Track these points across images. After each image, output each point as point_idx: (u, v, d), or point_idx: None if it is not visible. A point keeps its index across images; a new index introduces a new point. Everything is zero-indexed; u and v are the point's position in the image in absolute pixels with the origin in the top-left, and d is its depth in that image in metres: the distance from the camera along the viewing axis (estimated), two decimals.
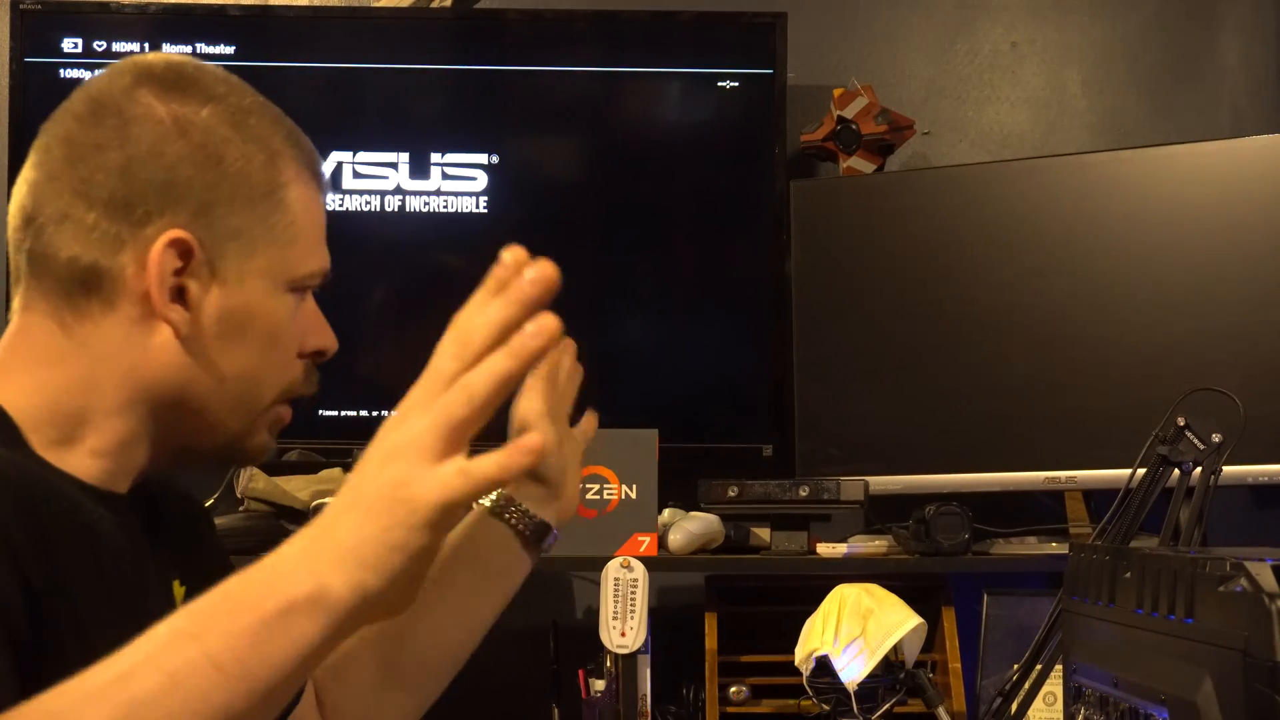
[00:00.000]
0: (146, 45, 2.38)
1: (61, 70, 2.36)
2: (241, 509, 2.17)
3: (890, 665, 1.91)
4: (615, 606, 1.87)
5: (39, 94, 2.32)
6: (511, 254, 0.84)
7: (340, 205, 2.36)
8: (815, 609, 1.95)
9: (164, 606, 1.08)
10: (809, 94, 2.48)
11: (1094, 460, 2.08)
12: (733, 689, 2.07)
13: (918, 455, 2.18)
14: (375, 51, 2.40)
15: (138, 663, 0.78)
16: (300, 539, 0.81)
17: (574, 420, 1.30)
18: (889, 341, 2.23)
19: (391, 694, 1.23)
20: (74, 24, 2.37)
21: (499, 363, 0.81)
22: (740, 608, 2.18)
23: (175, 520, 1.15)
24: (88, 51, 2.36)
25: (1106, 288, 2.14)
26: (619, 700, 1.90)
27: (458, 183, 2.38)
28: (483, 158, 2.38)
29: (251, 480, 2.16)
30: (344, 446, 2.28)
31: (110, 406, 1.02)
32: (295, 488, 2.18)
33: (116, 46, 2.37)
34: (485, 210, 2.38)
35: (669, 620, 2.23)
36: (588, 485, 2.06)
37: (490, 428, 0.82)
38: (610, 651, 1.88)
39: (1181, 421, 1.48)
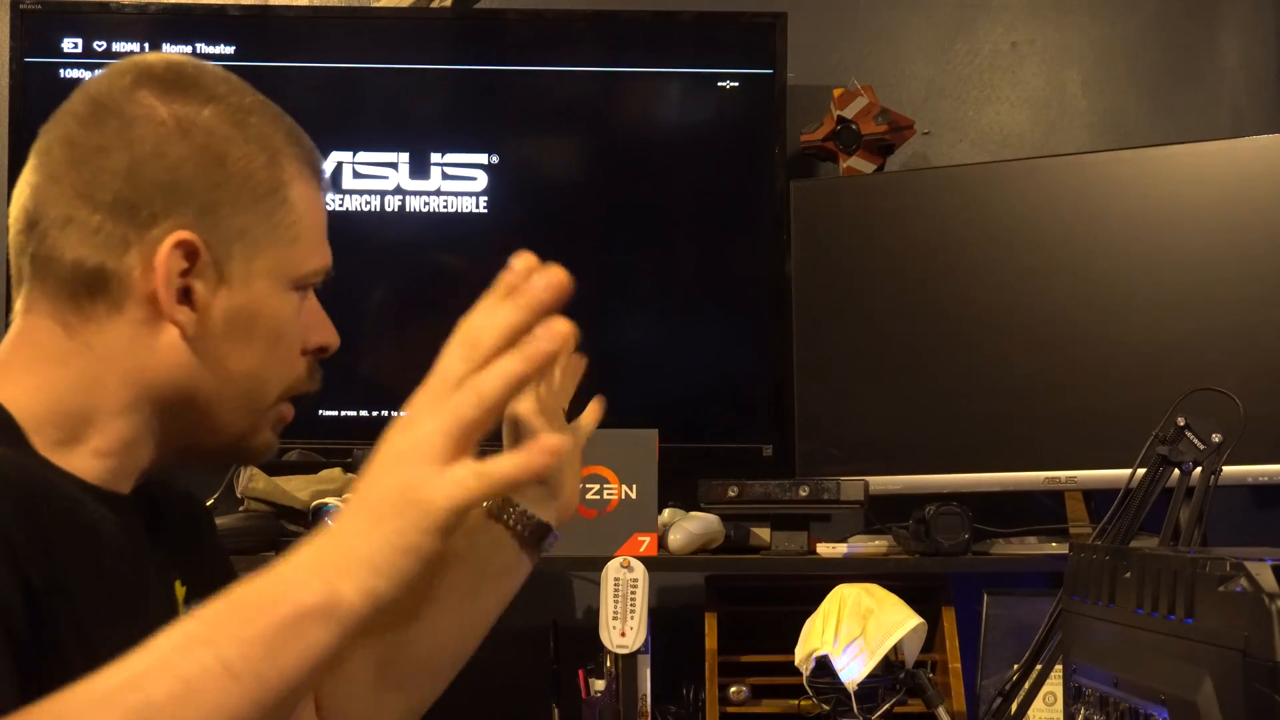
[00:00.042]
0: (146, 45, 2.38)
1: (61, 70, 2.36)
2: (241, 509, 2.17)
3: (890, 665, 1.91)
4: (615, 606, 1.88)
5: (39, 94, 2.32)
6: (521, 260, 0.84)
7: (340, 205, 2.36)
8: (815, 609, 1.95)
9: (165, 606, 1.08)
10: (809, 94, 2.48)
11: (1094, 460, 2.08)
12: (733, 689, 2.07)
13: (918, 455, 2.18)
14: (375, 51, 2.40)
15: (150, 666, 0.77)
16: (311, 545, 0.81)
17: (575, 415, 1.29)
18: (889, 341, 2.23)
19: (390, 695, 1.22)
20: (74, 24, 2.37)
21: (509, 365, 0.81)
22: (740, 608, 2.18)
23: (176, 520, 1.15)
24: (88, 51, 2.36)
25: (1106, 288, 2.14)
26: (619, 700, 1.90)
27: (458, 183, 2.38)
28: (483, 158, 2.38)
29: (251, 480, 2.16)
30: (344, 446, 2.29)
31: (115, 407, 1.02)
32: (295, 488, 2.18)
33: (116, 46, 2.37)
34: (485, 210, 2.38)
35: (669, 620, 2.23)
36: (587, 485, 2.05)
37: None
38: (610, 651, 1.88)
39: (1181, 421, 1.48)
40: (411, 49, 2.41)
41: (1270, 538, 2.26)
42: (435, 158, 2.38)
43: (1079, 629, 1.26)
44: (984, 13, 2.61)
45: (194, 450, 1.08)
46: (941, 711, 1.93)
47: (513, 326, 0.82)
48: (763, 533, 2.18)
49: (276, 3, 2.49)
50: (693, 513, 2.16)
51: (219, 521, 1.90)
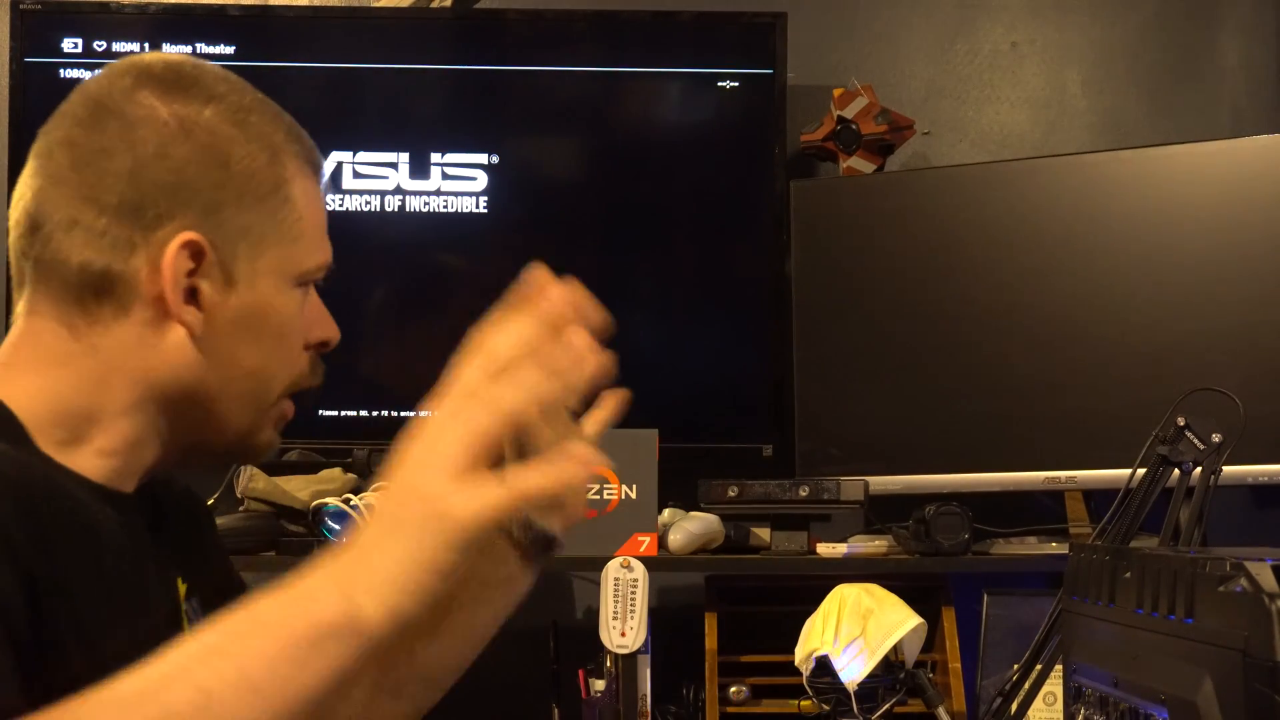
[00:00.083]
0: (146, 45, 2.38)
1: (61, 70, 2.36)
2: (241, 509, 2.17)
3: (890, 665, 1.91)
4: (615, 606, 1.88)
5: (39, 94, 2.32)
6: (536, 272, 0.84)
7: (340, 205, 2.36)
8: (815, 609, 1.95)
9: (167, 605, 1.08)
10: (809, 94, 2.47)
11: (1094, 460, 2.08)
12: (733, 689, 2.07)
13: (918, 455, 2.18)
14: (375, 51, 2.40)
15: (169, 675, 0.77)
16: (331, 560, 0.81)
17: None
18: (889, 341, 2.23)
19: (386, 702, 1.22)
20: (74, 24, 2.37)
21: (528, 377, 0.80)
22: (740, 608, 2.18)
23: (177, 518, 1.16)
24: (88, 51, 2.36)
25: (1106, 288, 2.14)
26: (619, 700, 1.90)
27: (458, 183, 2.38)
28: (483, 158, 2.38)
29: (251, 480, 2.16)
30: (344, 446, 2.29)
31: (120, 407, 1.02)
32: (295, 488, 2.18)
33: (116, 46, 2.37)
34: (485, 210, 2.38)
35: (669, 620, 2.23)
36: (587, 485, 2.05)
37: None
38: (610, 651, 1.88)
39: (1181, 421, 1.48)
40: (411, 49, 2.41)
41: (1270, 538, 2.26)
42: (435, 158, 2.38)
43: (1079, 629, 1.26)
44: (984, 13, 2.61)
45: (198, 449, 1.08)
46: (941, 711, 1.93)
47: (528, 338, 0.81)
48: (763, 533, 2.18)
49: (276, 3, 2.49)
50: (693, 513, 2.17)
51: (219, 521, 1.90)
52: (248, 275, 1.04)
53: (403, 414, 2.32)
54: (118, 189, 1.00)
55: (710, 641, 2.09)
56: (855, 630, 1.88)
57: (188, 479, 1.23)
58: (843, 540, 2.15)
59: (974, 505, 2.07)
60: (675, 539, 2.10)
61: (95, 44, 2.37)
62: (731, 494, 2.14)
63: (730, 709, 2.07)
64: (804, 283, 2.28)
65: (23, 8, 2.36)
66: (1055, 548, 2.10)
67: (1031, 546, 2.13)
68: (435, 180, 2.38)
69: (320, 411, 2.31)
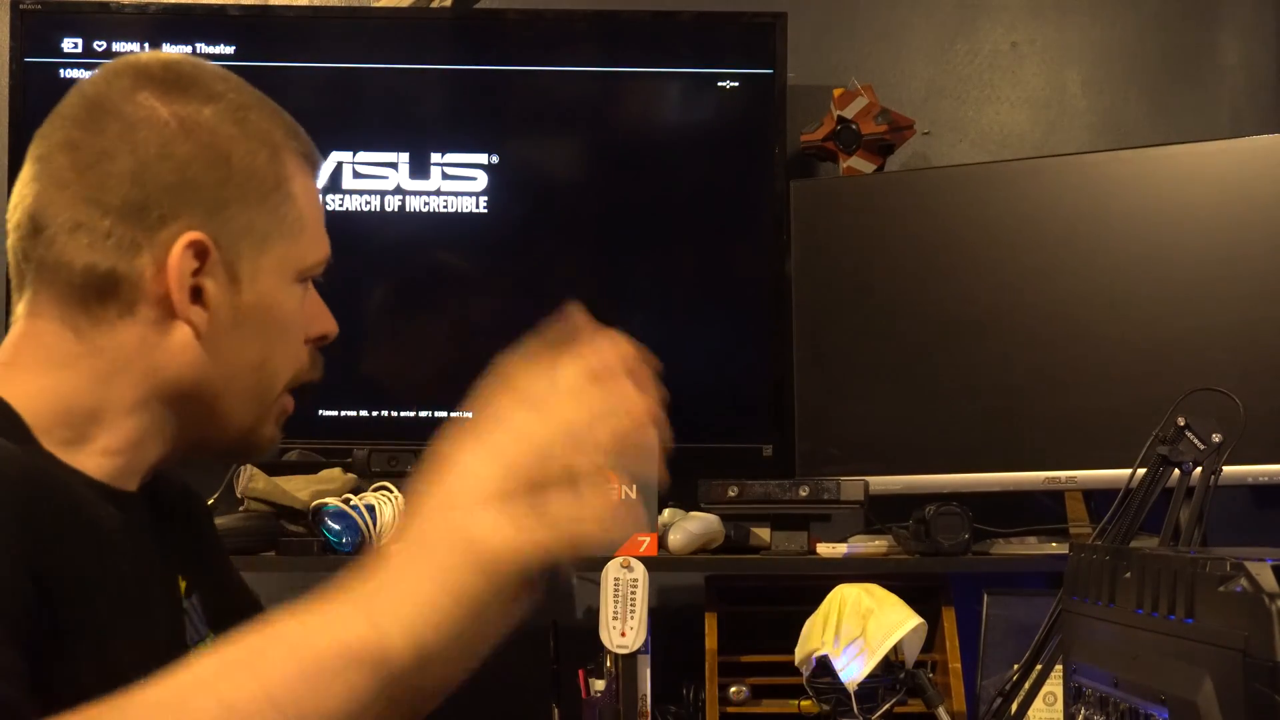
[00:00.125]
0: (146, 45, 2.38)
1: (61, 70, 2.36)
2: (241, 509, 2.17)
3: (890, 665, 1.91)
4: (615, 606, 1.88)
5: (39, 94, 2.32)
6: (574, 312, 0.84)
7: (340, 205, 2.36)
8: (815, 609, 1.95)
9: (169, 604, 1.08)
10: (809, 94, 2.48)
11: (1094, 460, 2.08)
12: (733, 689, 2.07)
13: (918, 455, 2.18)
14: (375, 51, 2.40)
15: (191, 686, 0.77)
16: (362, 583, 0.80)
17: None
18: (889, 341, 2.23)
19: (381, 712, 1.22)
20: (74, 24, 2.37)
21: (566, 411, 0.81)
22: (740, 608, 2.18)
23: (178, 517, 1.16)
24: (88, 51, 2.36)
25: (1106, 288, 2.14)
26: (619, 700, 1.90)
27: (458, 183, 2.38)
28: (483, 158, 2.38)
29: (251, 480, 2.16)
30: (344, 446, 2.29)
31: (124, 406, 1.02)
32: (295, 488, 2.18)
33: (116, 46, 2.37)
34: (485, 210, 2.38)
35: (669, 620, 2.23)
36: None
37: None
38: (610, 651, 1.88)
39: (1181, 421, 1.48)
40: (411, 49, 2.41)
41: (1270, 538, 2.26)
42: (435, 158, 2.38)
43: (1079, 629, 1.26)
44: (984, 13, 2.61)
45: (202, 445, 1.09)
46: (941, 711, 1.93)
47: (575, 380, 0.81)
48: (763, 533, 2.18)
49: (276, 3, 2.49)
50: (693, 513, 2.16)
51: (219, 522, 1.90)
52: (251, 273, 1.04)
53: (403, 414, 2.32)
54: (121, 190, 1.00)
55: (710, 641, 2.09)
56: (855, 630, 1.88)
57: (186, 476, 1.23)
58: (843, 540, 2.15)
59: (974, 505, 2.07)
60: (675, 539, 2.10)
61: (95, 44, 2.37)
62: (731, 494, 2.14)
63: (730, 709, 2.07)
64: (804, 283, 2.28)
65: (23, 8, 2.36)
66: (1055, 548, 2.10)
67: (1031, 546, 2.13)
68: (435, 180, 2.38)
69: (320, 411, 2.31)
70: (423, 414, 2.32)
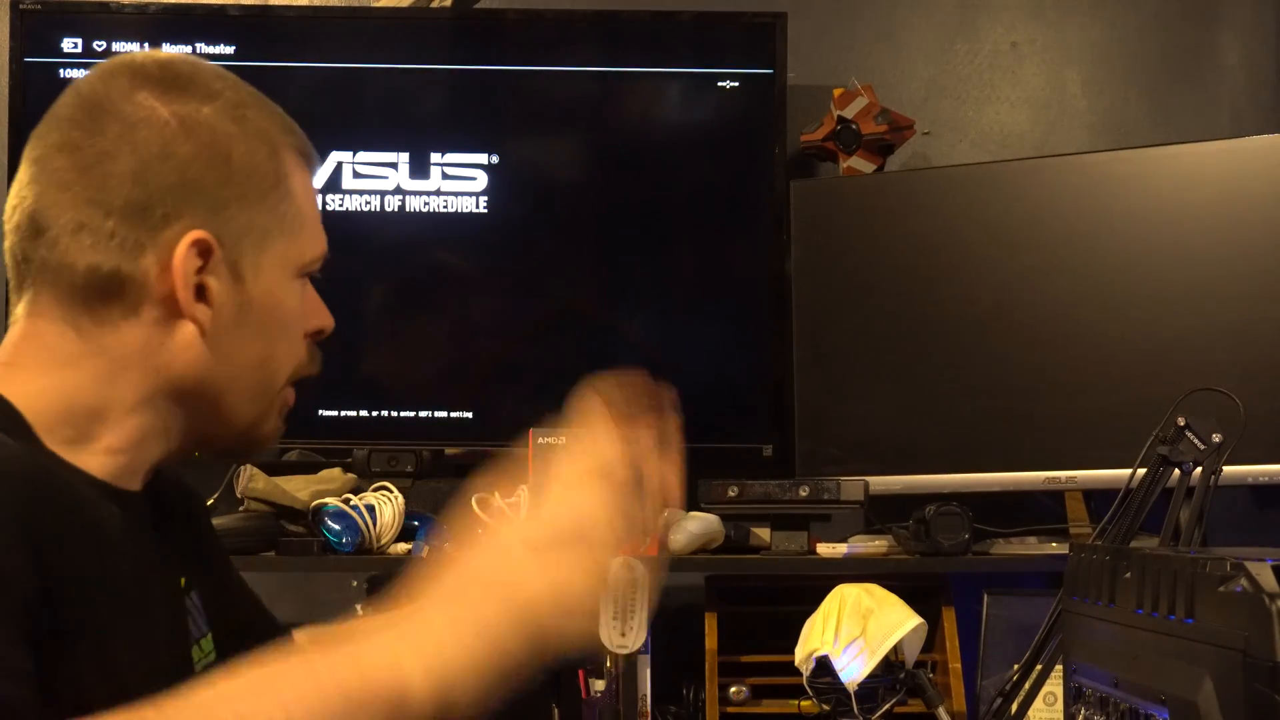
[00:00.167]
0: (146, 45, 2.38)
1: (61, 70, 2.36)
2: (241, 509, 2.17)
3: (890, 665, 1.91)
4: (615, 606, 1.87)
5: (39, 94, 2.32)
6: (631, 382, 0.88)
7: (340, 205, 2.36)
8: (815, 609, 1.95)
9: (169, 604, 1.08)
10: (809, 94, 2.48)
11: (1094, 460, 2.08)
12: (733, 689, 2.07)
13: (918, 455, 2.18)
14: (375, 51, 2.40)
15: (210, 700, 0.77)
16: (395, 621, 0.82)
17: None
18: (889, 341, 2.23)
19: None
20: (74, 24, 2.37)
21: (604, 493, 0.85)
22: (740, 608, 2.18)
23: (178, 516, 1.16)
24: (88, 51, 2.36)
25: (1106, 287, 2.14)
26: (619, 700, 1.90)
27: (458, 183, 2.38)
28: (483, 158, 2.38)
29: (251, 480, 2.16)
30: (344, 446, 2.29)
31: (128, 405, 1.03)
32: (295, 488, 2.18)
33: (116, 46, 2.37)
34: (485, 210, 2.38)
35: (669, 620, 2.22)
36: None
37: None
38: (610, 651, 1.88)
39: (1181, 421, 1.48)
40: (411, 49, 2.41)
41: (1270, 538, 2.26)
42: (435, 158, 2.38)
43: (1079, 629, 1.26)
44: (984, 13, 2.61)
45: (206, 442, 1.10)
46: (941, 711, 1.93)
47: (629, 455, 0.85)
48: (763, 533, 2.18)
49: (276, 3, 2.49)
50: (693, 513, 2.16)
51: (218, 522, 1.91)
52: (253, 270, 1.05)
53: (403, 414, 2.32)
54: (123, 191, 1.00)
55: (710, 641, 2.09)
56: (855, 630, 1.88)
57: (186, 476, 1.23)
58: (843, 540, 2.15)
59: (974, 505, 2.07)
60: (675, 539, 2.10)
61: (95, 44, 2.37)
62: (731, 494, 2.14)
63: (730, 709, 2.07)
64: (804, 283, 2.28)
65: (23, 8, 2.36)
66: (1055, 548, 2.10)
67: (1031, 546, 2.13)
68: (435, 180, 2.38)
69: (320, 411, 2.31)
70: (423, 414, 2.32)
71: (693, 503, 2.18)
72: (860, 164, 2.38)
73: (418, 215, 2.38)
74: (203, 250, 1.02)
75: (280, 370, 1.10)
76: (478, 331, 2.39)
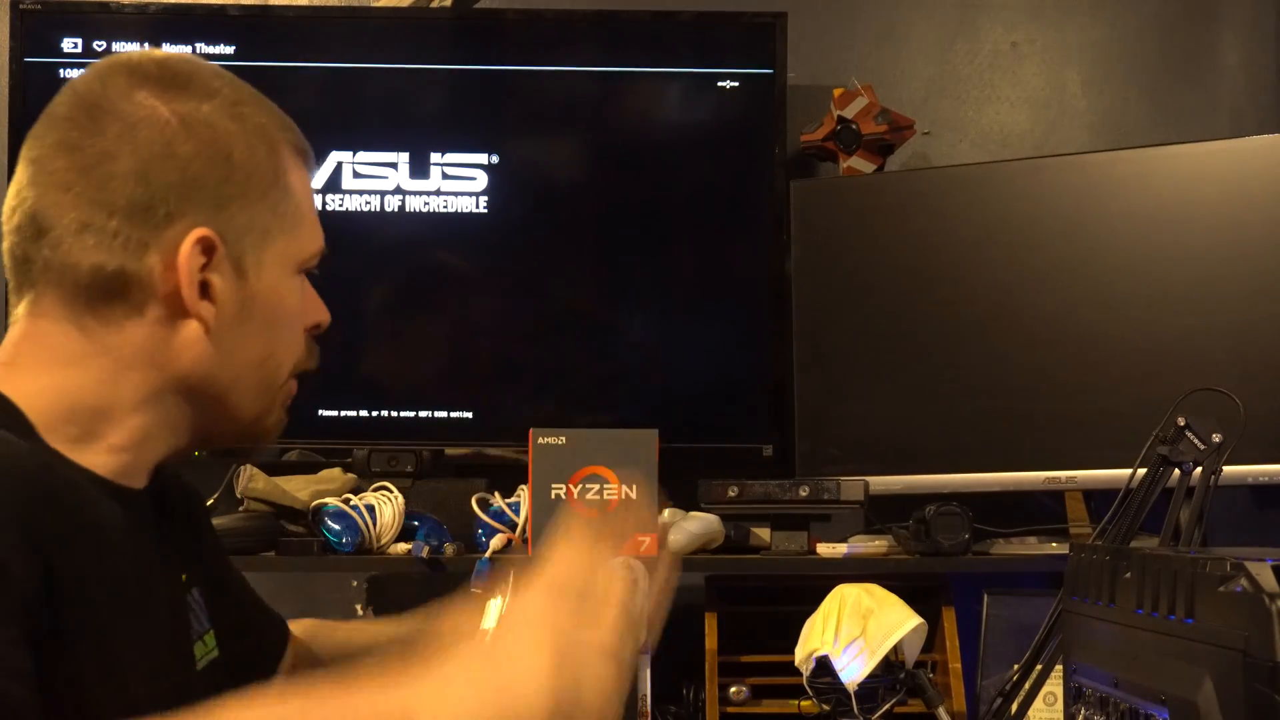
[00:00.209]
0: (146, 45, 2.38)
1: (61, 70, 2.36)
2: (241, 509, 2.17)
3: (890, 665, 1.91)
4: None
5: (39, 94, 2.31)
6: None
7: (340, 205, 2.36)
8: (815, 609, 1.95)
9: (171, 602, 1.08)
10: (809, 94, 2.48)
11: (1094, 460, 2.08)
12: (733, 689, 2.07)
13: (918, 455, 2.18)
14: (375, 51, 2.40)
15: None
16: (412, 674, 0.83)
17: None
18: (889, 341, 2.23)
19: None
20: (74, 24, 2.37)
21: (618, 594, 0.89)
22: (740, 608, 2.18)
23: (178, 513, 1.16)
24: (88, 51, 2.36)
25: (1106, 287, 2.14)
26: None
27: (458, 183, 2.38)
28: (483, 158, 2.38)
29: (251, 480, 2.16)
30: (344, 446, 2.29)
31: (133, 403, 1.03)
32: (295, 488, 2.18)
33: (116, 46, 2.37)
34: (485, 210, 2.38)
35: (669, 620, 2.22)
36: (587, 485, 2.05)
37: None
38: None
39: (1181, 421, 1.48)
40: (411, 49, 2.41)
41: (1270, 538, 2.26)
42: (435, 158, 2.38)
43: (1079, 629, 1.26)
44: (984, 13, 2.61)
45: (210, 437, 1.10)
46: (941, 712, 1.93)
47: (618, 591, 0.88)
48: (763, 533, 2.18)
49: (276, 3, 2.49)
50: (693, 513, 2.16)
51: (218, 522, 1.91)
52: (255, 266, 1.06)
53: (403, 414, 2.32)
54: (126, 190, 1.01)
55: (710, 641, 2.09)
56: (855, 630, 1.88)
57: (185, 475, 1.24)
58: (843, 540, 2.15)
59: (974, 505, 2.07)
60: (675, 539, 2.10)
61: (95, 44, 2.37)
62: (731, 494, 2.14)
63: (730, 709, 2.07)
64: (804, 283, 2.28)
65: (23, 8, 2.36)
66: (1055, 548, 2.10)
67: (1031, 546, 2.13)
68: (435, 180, 2.38)
69: (320, 411, 2.31)
70: (423, 414, 2.32)
71: (693, 503, 2.18)
72: (860, 164, 2.38)
73: (418, 215, 2.38)
74: (206, 248, 1.02)
75: (283, 365, 1.11)
76: (478, 331, 2.39)
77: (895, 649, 1.91)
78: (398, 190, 2.38)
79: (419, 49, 2.41)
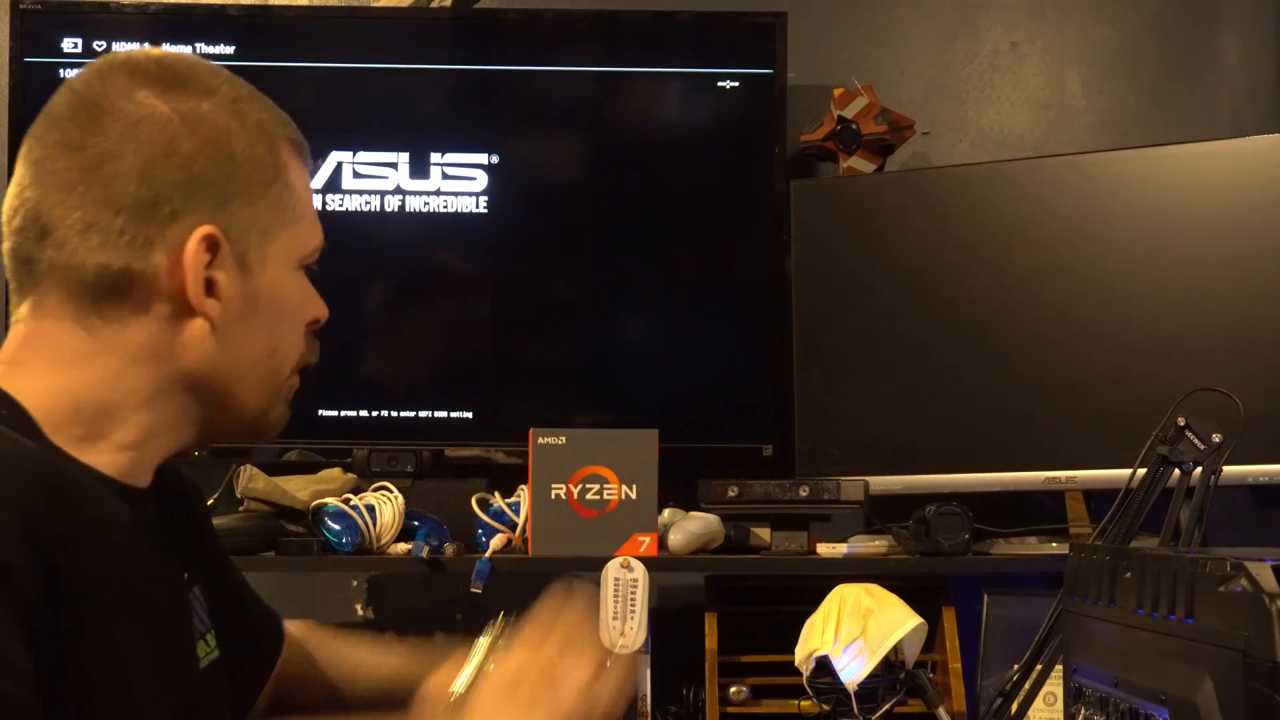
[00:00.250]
0: (146, 45, 2.37)
1: (61, 70, 2.35)
2: (241, 509, 2.17)
3: (890, 665, 1.91)
4: (615, 606, 1.88)
5: (39, 94, 2.30)
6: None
7: (340, 205, 2.36)
8: (815, 609, 1.95)
9: (174, 600, 1.09)
10: (809, 94, 2.47)
11: (1094, 460, 2.08)
12: (733, 689, 2.07)
13: (918, 455, 2.18)
14: (375, 51, 2.40)
15: None
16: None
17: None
18: (889, 341, 2.23)
19: None
20: (74, 24, 2.37)
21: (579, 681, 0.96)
22: (740, 608, 2.18)
23: (180, 511, 1.17)
24: (88, 51, 2.36)
25: (1106, 287, 2.14)
26: None
27: (458, 183, 2.38)
28: (483, 158, 2.38)
29: (251, 480, 2.16)
30: (344, 446, 2.29)
31: (138, 401, 1.03)
32: (295, 488, 2.18)
33: (117, 46, 2.37)
34: (485, 210, 2.38)
35: (669, 620, 2.23)
36: (587, 485, 2.05)
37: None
38: (610, 651, 1.88)
39: (1182, 421, 1.48)
40: (411, 49, 2.41)
41: (1270, 538, 2.26)
42: (435, 158, 2.38)
43: (1079, 629, 1.26)
44: (984, 13, 2.61)
45: (216, 433, 1.11)
46: (941, 712, 1.93)
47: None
48: (763, 533, 2.18)
49: (276, 3, 2.49)
50: (693, 513, 2.16)
51: (218, 521, 1.91)
52: (258, 262, 1.06)
53: (403, 414, 2.32)
54: (130, 189, 1.01)
55: (710, 641, 2.09)
56: (855, 630, 1.88)
57: (181, 469, 1.24)
58: (843, 540, 2.15)
59: (974, 505, 2.07)
60: (675, 539, 2.10)
61: (95, 44, 2.37)
62: (731, 494, 2.14)
63: (730, 709, 2.07)
64: (804, 283, 2.28)
65: (23, 8, 2.36)
66: (1055, 548, 2.10)
67: (1031, 546, 2.13)
68: (435, 180, 2.38)
69: (320, 411, 2.31)
70: (423, 414, 2.32)
71: (693, 503, 2.18)
72: (860, 164, 2.38)
73: (418, 215, 2.38)
74: (211, 245, 1.02)
75: (286, 359, 1.11)
76: (478, 331, 2.39)
77: (895, 649, 1.91)
78: (398, 190, 2.38)
79: (419, 49, 2.41)
